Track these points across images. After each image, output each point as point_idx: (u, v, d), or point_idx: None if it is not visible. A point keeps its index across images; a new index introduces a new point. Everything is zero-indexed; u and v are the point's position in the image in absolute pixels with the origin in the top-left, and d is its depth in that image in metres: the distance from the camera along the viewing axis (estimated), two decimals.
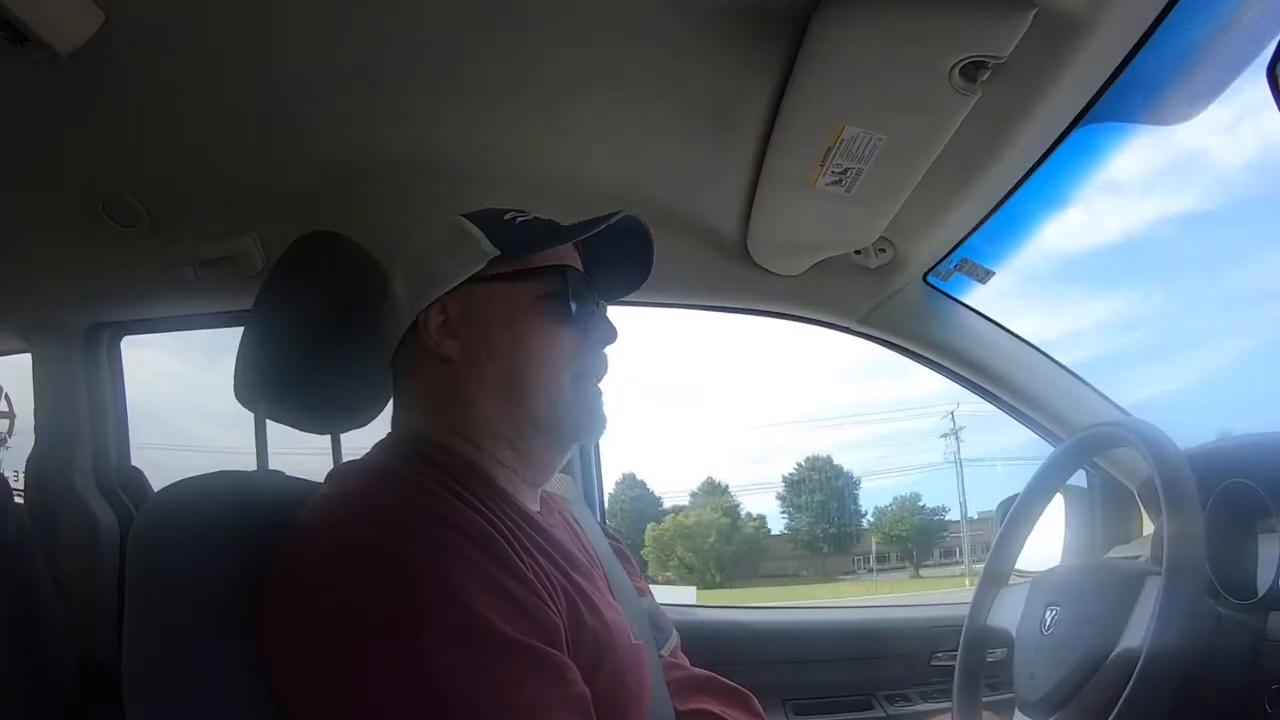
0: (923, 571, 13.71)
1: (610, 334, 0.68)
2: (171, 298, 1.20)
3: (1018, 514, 0.98)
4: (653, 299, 1.25)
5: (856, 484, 14.79)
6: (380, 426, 0.81)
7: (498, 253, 0.64)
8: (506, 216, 0.68)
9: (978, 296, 1.20)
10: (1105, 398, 1.20)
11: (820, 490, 14.61)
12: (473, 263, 0.65)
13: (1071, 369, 1.22)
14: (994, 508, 1.22)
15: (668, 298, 1.24)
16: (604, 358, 0.68)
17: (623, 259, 0.71)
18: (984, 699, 0.96)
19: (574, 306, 0.65)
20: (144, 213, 1.01)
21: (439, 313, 0.65)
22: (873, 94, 0.73)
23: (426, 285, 0.65)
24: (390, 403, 0.73)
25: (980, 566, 1.03)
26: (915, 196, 0.89)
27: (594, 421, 0.67)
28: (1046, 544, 1.11)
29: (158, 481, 1.39)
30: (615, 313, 0.72)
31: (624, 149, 0.94)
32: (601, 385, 0.68)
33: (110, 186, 0.98)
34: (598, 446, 1.49)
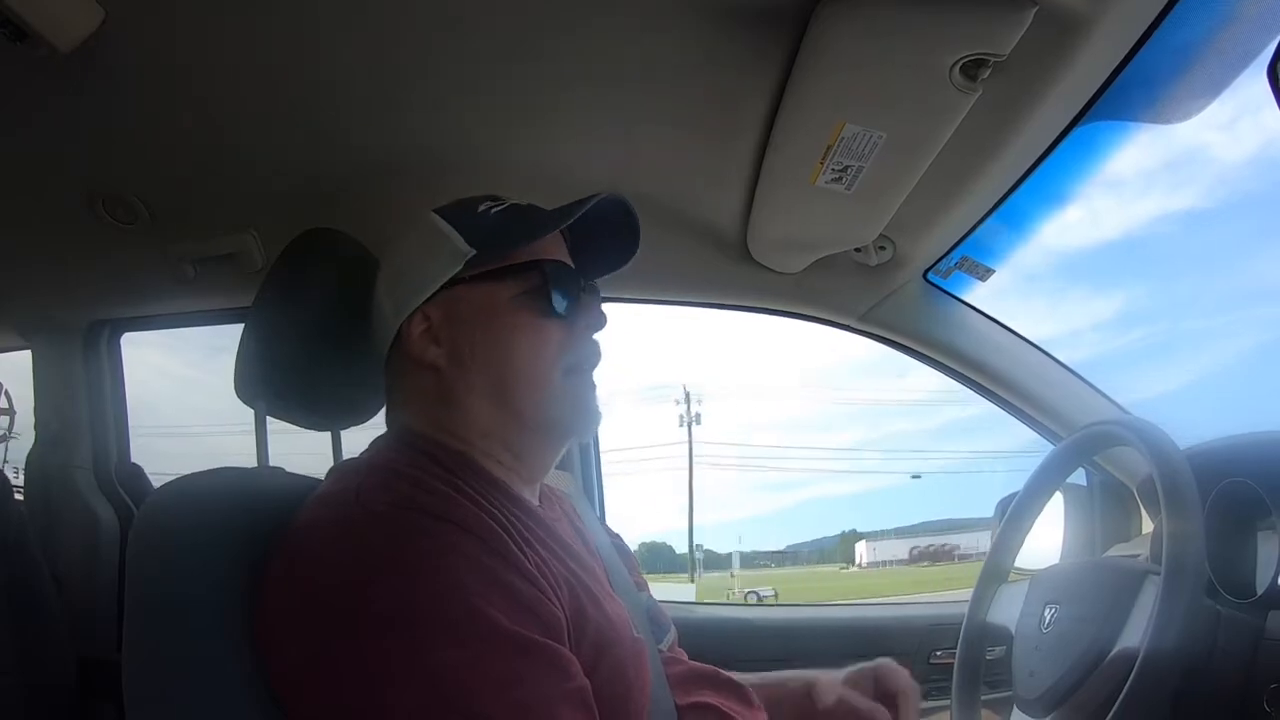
0: None
1: (599, 320, 0.67)
2: (171, 295, 1.20)
3: (1017, 512, 0.98)
4: (653, 296, 1.25)
5: None
6: (380, 424, 0.81)
7: (473, 252, 0.63)
8: (481, 208, 0.66)
9: (978, 294, 1.20)
10: (1105, 396, 1.20)
11: None
12: (449, 266, 0.63)
13: (1071, 367, 1.22)
14: None
15: (668, 295, 1.24)
16: (595, 345, 0.67)
17: (608, 240, 0.69)
18: (983, 697, 0.96)
19: (557, 300, 0.63)
20: (144, 210, 1.01)
21: (421, 320, 0.64)
22: (873, 92, 0.73)
23: (407, 294, 0.64)
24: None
25: None
26: (915, 194, 0.89)
27: (588, 416, 0.66)
28: (1046, 542, 1.12)
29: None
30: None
31: (624, 147, 0.93)
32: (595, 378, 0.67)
33: (110, 184, 0.98)
34: (597, 441, 1.49)
